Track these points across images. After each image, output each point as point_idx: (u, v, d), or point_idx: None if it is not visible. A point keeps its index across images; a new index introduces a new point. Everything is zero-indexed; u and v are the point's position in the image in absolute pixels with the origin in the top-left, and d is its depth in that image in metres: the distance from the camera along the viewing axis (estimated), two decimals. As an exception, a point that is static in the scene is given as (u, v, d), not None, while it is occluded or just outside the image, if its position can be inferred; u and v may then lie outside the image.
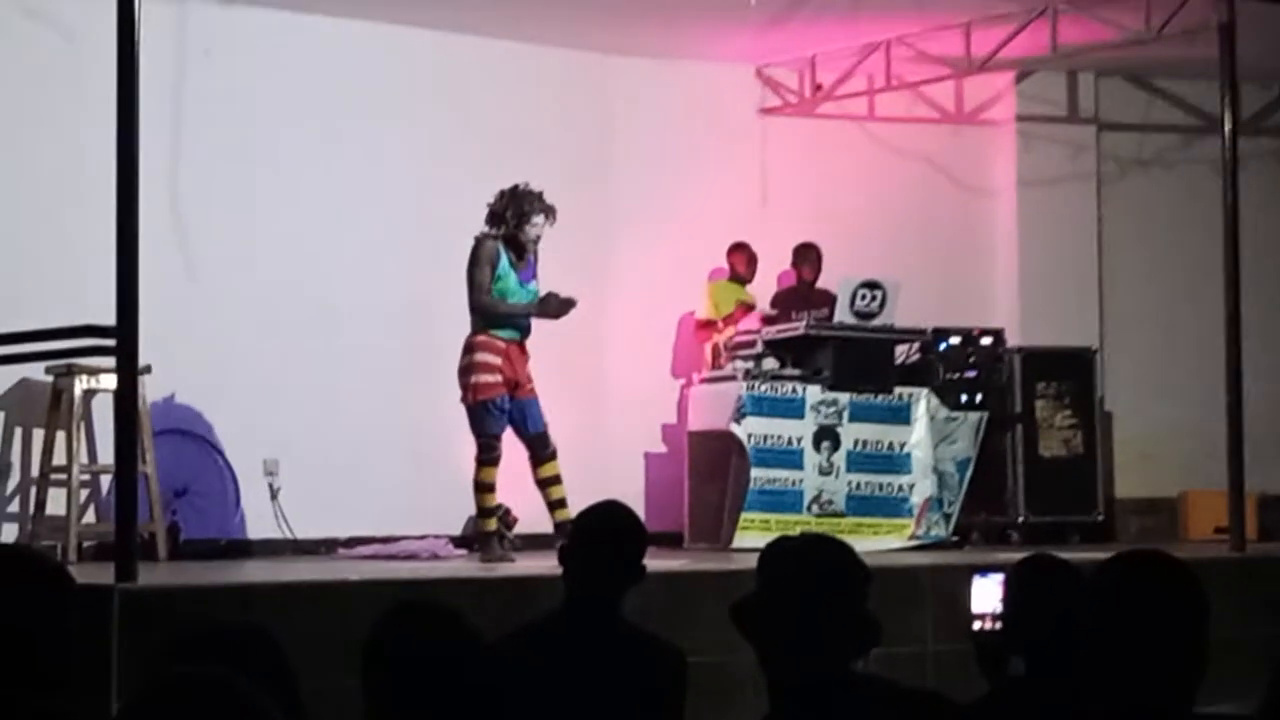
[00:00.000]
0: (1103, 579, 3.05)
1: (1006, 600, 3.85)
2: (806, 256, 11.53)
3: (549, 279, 10.95)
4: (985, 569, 3.92)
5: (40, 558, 3.14)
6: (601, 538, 4.43)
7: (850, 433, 10.37)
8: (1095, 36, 10.91)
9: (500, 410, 8.91)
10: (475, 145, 10.99)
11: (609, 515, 4.53)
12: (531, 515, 9.46)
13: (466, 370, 8.93)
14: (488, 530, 9.12)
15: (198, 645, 2.88)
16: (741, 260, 11.45)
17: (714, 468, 10.40)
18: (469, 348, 8.97)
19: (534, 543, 9.46)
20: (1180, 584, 3.02)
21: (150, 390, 8.62)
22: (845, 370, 10.38)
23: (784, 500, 10.18)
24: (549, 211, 9.05)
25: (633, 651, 4.37)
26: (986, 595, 3.94)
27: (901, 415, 10.51)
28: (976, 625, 4.04)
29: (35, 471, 9.47)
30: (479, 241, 9.08)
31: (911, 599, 7.79)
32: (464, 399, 8.94)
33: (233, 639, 2.91)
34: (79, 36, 9.45)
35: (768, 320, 10.90)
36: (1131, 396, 12.40)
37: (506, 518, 10.21)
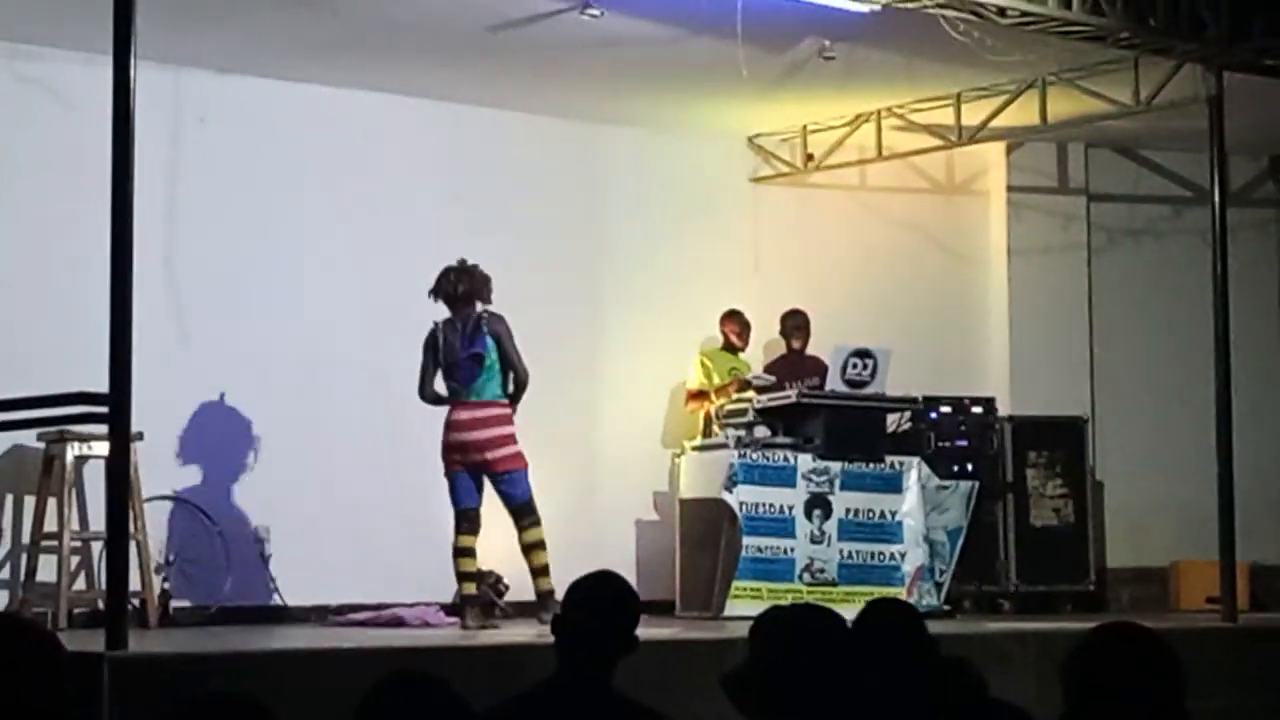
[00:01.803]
0: (1081, 652, 3.07)
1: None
2: (794, 323, 11.56)
3: (544, 346, 11.03)
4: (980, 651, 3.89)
5: (31, 627, 3.14)
6: (595, 608, 4.42)
7: (842, 501, 10.38)
8: (1085, 108, 10.99)
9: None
10: (469, 214, 11.04)
11: (603, 585, 4.52)
12: (524, 583, 9.45)
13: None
14: (466, 595, 9.16)
15: (191, 715, 2.88)
16: (734, 328, 11.48)
17: (705, 536, 10.39)
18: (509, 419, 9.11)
19: (525, 610, 9.45)
20: (1155, 655, 3.04)
21: (142, 457, 8.61)
22: (837, 439, 10.40)
23: (776, 568, 10.18)
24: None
25: (622, 720, 4.36)
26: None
27: (893, 484, 10.52)
28: None
29: (26, 538, 9.45)
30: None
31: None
32: (518, 463, 9.07)
33: (225, 709, 2.91)
34: (75, 103, 9.50)
35: (762, 389, 10.91)
36: (1122, 466, 12.42)
37: (498, 585, 10.21)
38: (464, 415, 9.06)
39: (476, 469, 9.06)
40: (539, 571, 9.06)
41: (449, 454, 9.07)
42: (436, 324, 9.22)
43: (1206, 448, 10.08)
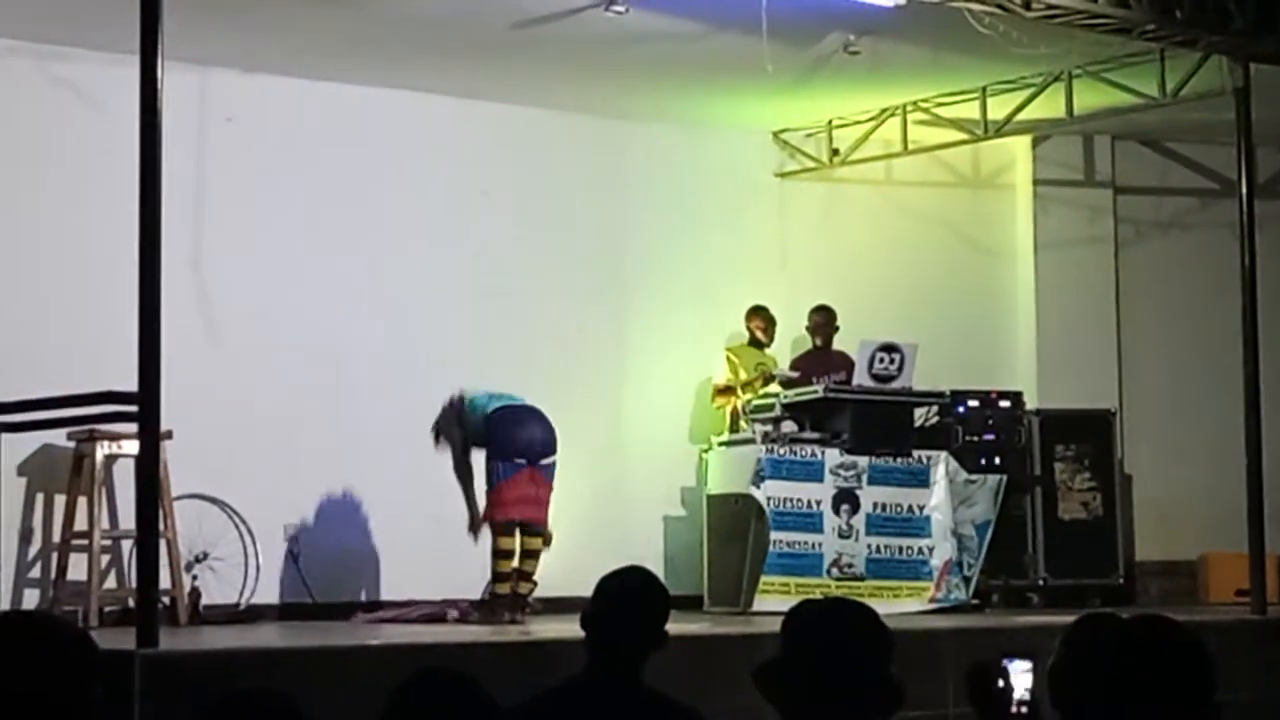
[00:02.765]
0: (1113, 644, 3.07)
1: (1058, 657, 3.80)
2: (821, 319, 11.55)
3: (568, 343, 11.03)
4: (1013, 655, 3.88)
5: (64, 625, 3.16)
6: (625, 604, 4.43)
7: (869, 495, 10.37)
8: (1111, 101, 10.96)
9: None
10: (495, 211, 11.06)
11: (633, 582, 4.53)
12: (553, 579, 9.47)
13: None
14: (496, 594, 9.25)
15: (222, 712, 2.90)
16: (760, 324, 11.48)
17: (733, 531, 10.40)
18: None
19: (555, 607, 9.46)
20: (1184, 648, 3.03)
21: (171, 455, 8.64)
22: (864, 433, 10.39)
23: (803, 563, 10.18)
24: None
25: (654, 717, 4.36)
26: (1017, 682, 3.90)
27: (920, 478, 10.51)
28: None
29: (57, 537, 9.48)
30: None
31: (930, 663, 7.77)
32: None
33: (257, 706, 2.92)
34: (103, 103, 9.53)
35: (788, 383, 10.91)
36: (1151, 459, 12.38)
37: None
38: None
39: None
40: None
41: None
42: None
43: (1235, 440, 10.04)
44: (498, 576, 9.27)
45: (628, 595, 4.46)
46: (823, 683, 3.39)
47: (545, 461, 9.26)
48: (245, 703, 2.94)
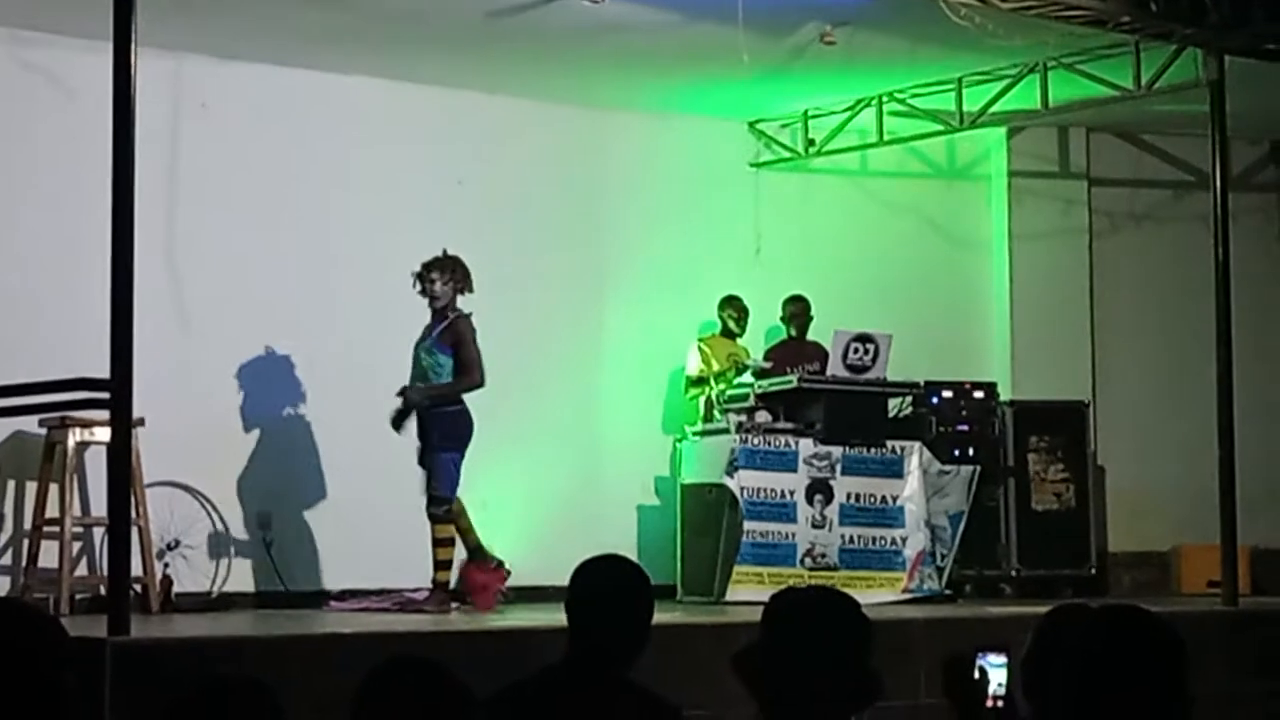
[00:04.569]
0: (1084, 634, 3.07)
1: (1031, 648, 3.80)
2: (795, 309, 11.55)
3: (544, 331, 10.99)
4: (988, 648, 3.88)
5: (34, 612, 3.14)
6: (614, 598, 4.35)
7: (843, 486, 10.38)
8: (1086, 93, 10.98)
9: None
10: (470, 200, 11.04)
11: (623, 575, 4.43)
12: (527, 569, 9.46)
13: None
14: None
15: (200, 700, 2.88)
16: (732, 314, 11.47)
17: (707, 521, 10.40)
18: None
19: (529, 596, 9.46)
20: (1156, 637, 3.04)
21: (143, 442, 8.62)
22: (838, 423, 10.40)
23: (777, 553, 10.19)
24: (418, 276, 9.39)
25: (629, 708, 4.33)
26: (992, 675, 3.90)
27: (894, 469, 10.52)
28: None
29: (28, 524, 9.46)
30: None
31: (904, 652, 7.78)
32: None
33: (231, 692, 2.91)
34: (76, 89, 9.49)
35: (761, 373, 10.91)
36: (1124, 450, 12.42)
37: (501, 570, 10.22)
38: None
39: None
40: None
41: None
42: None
43: (1208, 432, 10.07)
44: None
45: (617, 589, 4.37)
46: (803, 671, 3.39)
47: None
48: (222, 690, 2.93)
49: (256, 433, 10.26)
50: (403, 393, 9.34)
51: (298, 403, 10.38)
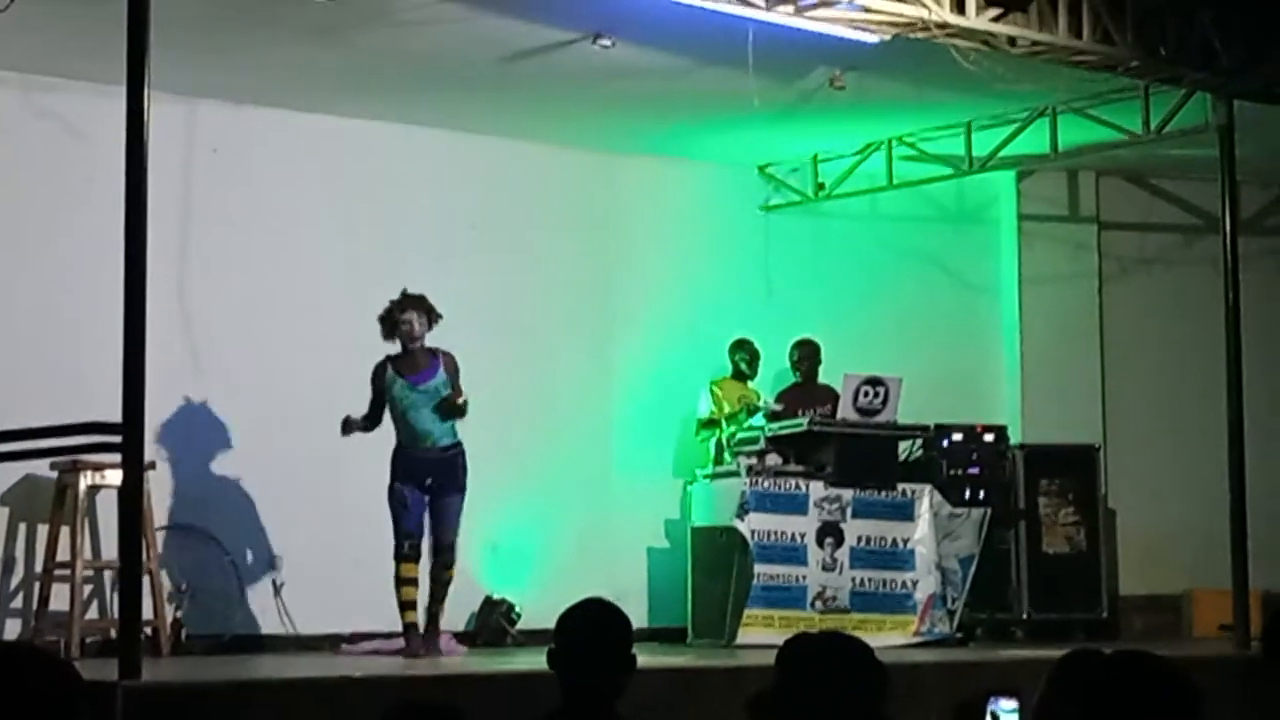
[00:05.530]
0: (1097, 682, 3.05)
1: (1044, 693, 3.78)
2: (803, 353, 11.56)
3: (552, 377, 11.00)
4: (999, 693, 3.87)
5: (47, 657, 3.13)
6: (588, 637, 4.42)
7: (854, 529, 10.37)
8: (1095, 137, 11.00)
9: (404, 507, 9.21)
10: (482, 243, 11.07)
11: (591, 613, 4.53)
12: (537, 611, 9.45)
13: None
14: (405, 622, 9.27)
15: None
16: (744, 357, 11.48)
17: (717, 563, 10.39)
18: None
19: (539, 639, 9.44)
20: (1169, 684, 3.02)
21: (154, 486, 8.63)
22: (848, 466, 10.40)
23: (788, 596, 10.17)
24: (394, 322, 9.25)
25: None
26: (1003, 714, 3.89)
27: (905, 511, 10.51)
28: None
29: (39, 567, 9.46)
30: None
31: (915, 697, 7.76)
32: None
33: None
34: (89, 134, 9.53)
35: (772, 416, 10.91)
36: (1135, 494, 12.40)
37: (509, 614, 10.22)
38: None
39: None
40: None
41: None
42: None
43: (1219, 475, 10.06)
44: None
45: (589, 628, 4.45)
46: (815, 717, 3.38)
47: None
48: None
49: (268, 475, 10.26)
50: (463, 409, 9.26)
51: (309, 446, 10.37)
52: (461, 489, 9.22)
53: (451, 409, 9.14)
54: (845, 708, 3.40)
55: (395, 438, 9.27)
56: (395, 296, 9.25)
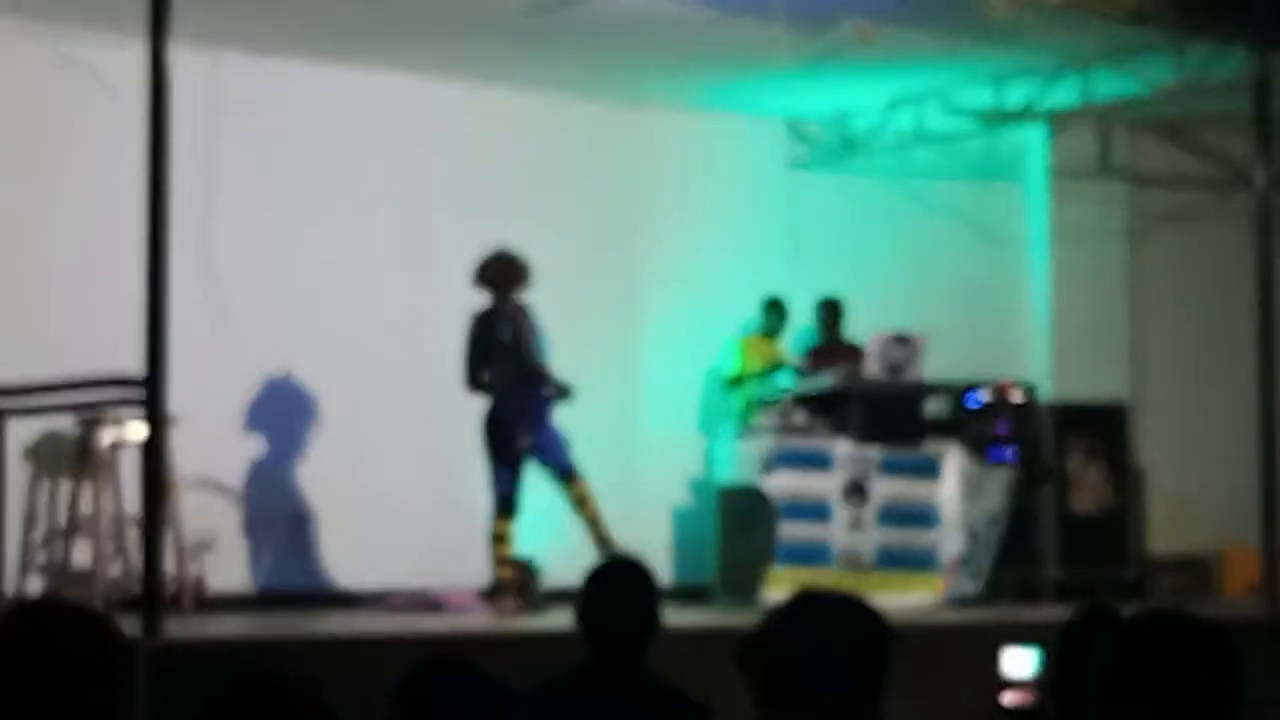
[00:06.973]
0: (1127, 640, 2.96)
1: (1055, 660, 3.69)
2: (830, 312, 11.49)
3: (578, 334, 10.96)
4: (1018, 638, 3.80)
5: (88, 612, 3.01)
6: (615, 593, 4.42)
7: (880, 487, 10.31)
8: (1127, 90, 10.88)
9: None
10: (506, 196, 11.00)
11: (619, 572, 4.52)
12: (560, 568, 9.40)
13: None
14: (502, 580, 9.21)
15: (242, 697, 2.77)
16: (771, 314, 11.41)
17: (743, 522, 10.34)
18: None
19: (565, 598, 9.40)
20: (1208, 646, 2.92)
21: (178, 441, 8.58)
22: (875, 424, 10.33)
23: (813, 554, 10.12)
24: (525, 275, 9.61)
25: (658, 707, 4.33)
26: (1019, 666, 3.82)
27: (931, 470, 10.44)
28: (1008, 697, 3.92)
29: (61, 523, 9.43)
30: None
31: (941, 655, 7.71)
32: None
33: (276, 692, 2.79)
34: (112, 85, 9.46)
35: (798, 374, 10.84)
36: (1165, 452, 12.30)
37: (531, 573, 10.17)
38: None
39: None
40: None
41: None
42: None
43: (1250, 433, 9.97)
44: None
45: (616, 587, 4.44)
46: (806, 690, 3.12)
47: None
48: (267, 689, 2.78)
49: (293, 430, 10.23)
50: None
51: (335, 400, 10.35)
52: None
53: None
54: (838, 686, 3.09)
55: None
56: (510, 253, 9.42)
